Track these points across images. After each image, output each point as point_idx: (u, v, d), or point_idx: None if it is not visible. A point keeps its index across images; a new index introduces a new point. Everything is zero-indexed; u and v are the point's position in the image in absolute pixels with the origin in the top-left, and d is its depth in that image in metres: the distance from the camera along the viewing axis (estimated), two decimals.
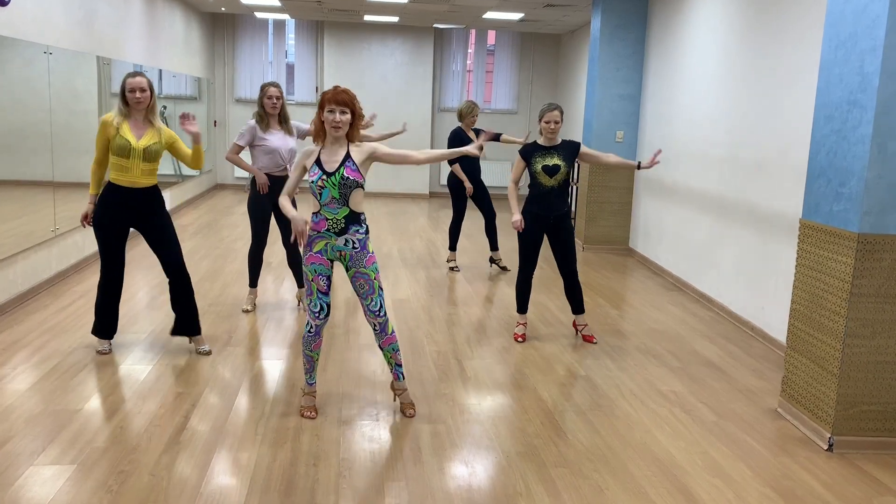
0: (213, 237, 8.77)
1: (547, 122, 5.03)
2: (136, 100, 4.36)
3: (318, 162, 3.67)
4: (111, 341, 4.78)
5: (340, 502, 3.09)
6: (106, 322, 4.72)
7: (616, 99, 8.79)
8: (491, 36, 13.92)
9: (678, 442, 3.80)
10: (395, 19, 12.23)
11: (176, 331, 4.83)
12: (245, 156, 5.54)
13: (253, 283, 5.83)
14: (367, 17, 12.17)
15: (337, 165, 3.65)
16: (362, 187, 3.70)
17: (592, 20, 9.05)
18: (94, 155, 4.47)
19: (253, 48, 13.27)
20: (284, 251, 5.99)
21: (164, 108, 9.84)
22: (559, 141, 5.11)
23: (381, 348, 3.93)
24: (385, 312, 3.83)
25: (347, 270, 3.78)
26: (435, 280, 7.13)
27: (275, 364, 4.70)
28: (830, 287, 3.79)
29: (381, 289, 3.81)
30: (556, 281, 7.12)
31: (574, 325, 5.48)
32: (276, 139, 5.47)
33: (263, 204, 5.55)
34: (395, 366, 3.97)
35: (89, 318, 5.35)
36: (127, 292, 6.11)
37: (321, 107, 3.65)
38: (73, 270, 6.69)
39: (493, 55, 13.95)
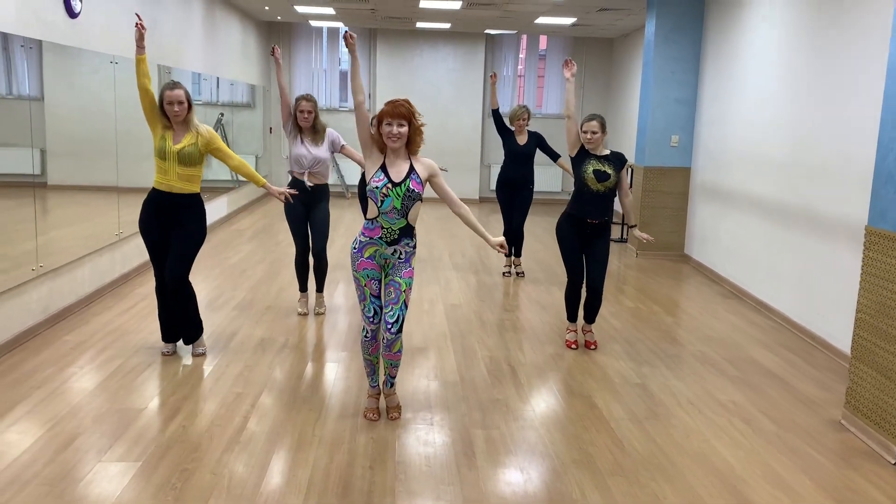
0: (269, 241, 8.93)
1: (584, 132, 5.01)
2: (174, 113, 4.42)
3: (383, 169, 3.71)
4: (175, 344, 4.90)
5: None
6: (164, 327, 4.84)
7: (671, 103, 8.67)
8: (542, 41, 13.88)
9: (737, 452, 3.72)
10: (447, 26, 12.30)
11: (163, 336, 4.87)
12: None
13: (302, 287, 5.93)
14: (420, 25, 12.27)
15: (403, 177, 3.69)
16: (421, 200, 3.74)
17: (647, 23, 8.96)
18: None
19: (308, 56, 13.49)
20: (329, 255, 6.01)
21: (222, 115, 10.08)
22: (608, 152, 5.08)
23: (382, 358, 3.92)
24: (399, 330, 3.76)
25: (385, 277, 3.84)
26: (485, 285, 7.13)
27: (330, 367, 4.76)
28: None
29: (406, 306, 3.77)
30: (607, 286, 7.06)
31: (582, 329, 5.38)
32: (303, 148, 5.57)
33: (295, 208, 5.59)
34: (389, 376, 3.99)
35: (151, 320, 5.51)
36: None
37: (379, 120, 3.69)
38: (136, 273, 6.90)
39: (544, 60, 13.91)
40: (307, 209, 5.69)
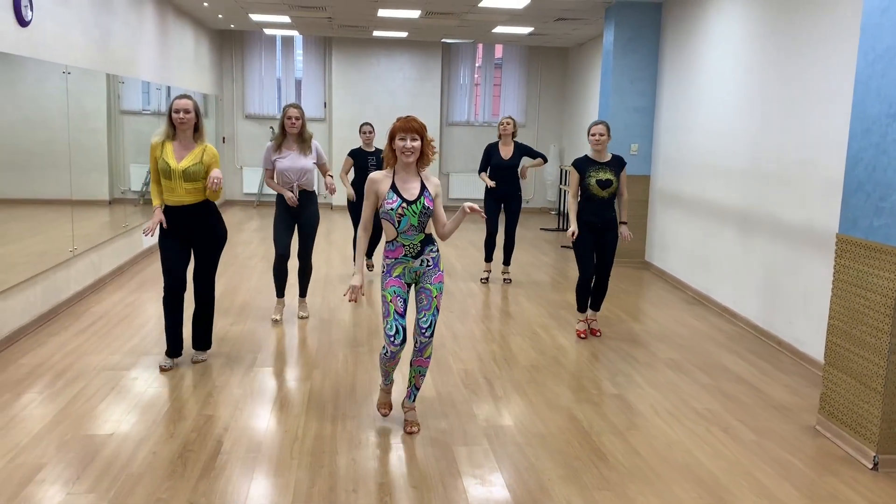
0: (227, 254, 8.71)
1: (592, 135, 5.46)
2: (179, 120, 4.57)
3: (394, 189, 3.74)
4: (174, 360, 4.85)
5: None
6: (172, 340, 4.82)
7: (630, 112, 8.76)
8: (498, 49, 13.93)
9: (720, 462, 3.73)
10: (404, 34, 12.24)
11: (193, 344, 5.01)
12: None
13: (279, 293, 5.99)
14: (376, 33, 12.18)
15: (417, 194, 3.74)
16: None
17: (605, 33, 9.04)
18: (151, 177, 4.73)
19: (262, 64, 13.28)
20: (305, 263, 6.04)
21: None
22: (609, 156, 5.51)
23: (411, 365, 3.93)
24: (431, 334, 3.82)
25: (416, 285, 3.86)
26: (452, 294, 7.05)
27: (303, 385, 4.63)
28: (872, 303, 3.73)
29: (438, 310, 3.85)
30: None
31: (586, 319, 5.79)
32: (287, 161, 5.71)
33: (284, 216, 5.83)
34: (414, 387, 4.00)
35: (111, 339, 5.30)
36: (146, 313, 6.07)
37: (392, 137, 3.75)
38: (91, 291, 6.64)
39: (500, 69, 13.96)
40: (295, 217, 5.85)
